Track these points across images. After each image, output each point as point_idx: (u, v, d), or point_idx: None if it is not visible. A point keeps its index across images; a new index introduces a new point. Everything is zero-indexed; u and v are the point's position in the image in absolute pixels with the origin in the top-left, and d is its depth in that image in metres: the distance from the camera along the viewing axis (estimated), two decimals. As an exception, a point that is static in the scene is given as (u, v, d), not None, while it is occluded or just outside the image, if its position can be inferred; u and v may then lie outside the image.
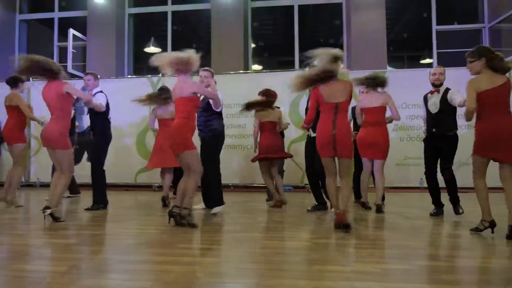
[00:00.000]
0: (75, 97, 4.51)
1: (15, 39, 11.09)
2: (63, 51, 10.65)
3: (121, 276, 2.26)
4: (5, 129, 5.61)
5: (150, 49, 11.46)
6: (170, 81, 7.98)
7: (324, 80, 3.72)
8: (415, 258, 2.67)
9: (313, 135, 5.17)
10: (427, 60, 10.32)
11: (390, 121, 5.17)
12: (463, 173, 7.77)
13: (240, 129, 8.24)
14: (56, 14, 11.08)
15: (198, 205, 5.08)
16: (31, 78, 9.45)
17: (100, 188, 5.33)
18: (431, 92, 4.68)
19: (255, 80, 8.17)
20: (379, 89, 5.01)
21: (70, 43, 9.73)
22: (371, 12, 9.36)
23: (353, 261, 2.60)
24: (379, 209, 4.79)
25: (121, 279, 2.22)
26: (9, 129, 5.51)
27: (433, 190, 4.68)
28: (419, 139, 7.81)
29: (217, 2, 9.88)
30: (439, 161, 4.62)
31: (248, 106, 5.38)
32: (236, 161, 8.18)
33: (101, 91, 5.33)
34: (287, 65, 10.34)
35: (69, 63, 9.66)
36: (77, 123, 7.34)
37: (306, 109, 5.30)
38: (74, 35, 9.92)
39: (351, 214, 4.73)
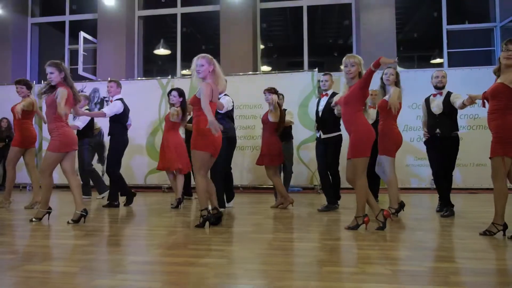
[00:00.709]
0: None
1: (27, 42, 11.25)
2: (74, 54, 10.79)
3: (132, 277, 2.28)
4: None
5: (160, 51, 11.55)
6: (180, 83, 8.02)
7: None
8: (426, 260, 2.64)
9: (323, 136, 5.17)
10: (438, 60, 10.22)
11: None
12: (471, 174, 7.70)
13: (249, 130, 8.25)
14: (67, 17, 11.22)
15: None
16: (42, 81, 9.58)
17: (116, 187, 5.65)
18: (434, 95, 4.80)
19: (264, 81, 8.17)
20: None
21: (81, 45, 9.85)
22: (381, 12, 9.30)
23: (363, 263, 2.59)
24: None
25: (132, 279, 2.23)
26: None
27: (443, 190, 4.68)
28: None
29: (226, 4, 9.91)
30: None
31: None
32: (245, 162, 8.19)
33: (120, 99, 5.58)
34: (297, 66, 10.33)
35: (80, 66, 9.78)
36: (98, 125, 7.36)
37: (317, 112, 5.29)
38: (84, 38, 10.04)
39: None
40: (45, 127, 6.60)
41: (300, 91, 8.13)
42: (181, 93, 5.64)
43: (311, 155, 7.86)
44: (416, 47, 11.61)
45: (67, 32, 11.15)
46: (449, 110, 4.63)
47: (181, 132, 6.74)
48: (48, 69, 4.18)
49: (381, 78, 4.75)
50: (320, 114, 5.23)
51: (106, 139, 7.42)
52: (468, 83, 7.12)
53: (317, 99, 5.51)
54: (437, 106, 4.70)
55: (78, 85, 8.87)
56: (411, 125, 7.84)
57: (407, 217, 4.57)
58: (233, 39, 9.77)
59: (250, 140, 8.23)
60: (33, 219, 4.25)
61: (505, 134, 3.33)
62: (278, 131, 5.48)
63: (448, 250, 3.00)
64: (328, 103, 5.06)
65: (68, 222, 4.09)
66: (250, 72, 9.26)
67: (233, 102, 5.32)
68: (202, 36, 11.80)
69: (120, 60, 10.28)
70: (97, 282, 2.16)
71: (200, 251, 2.95)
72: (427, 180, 7.85)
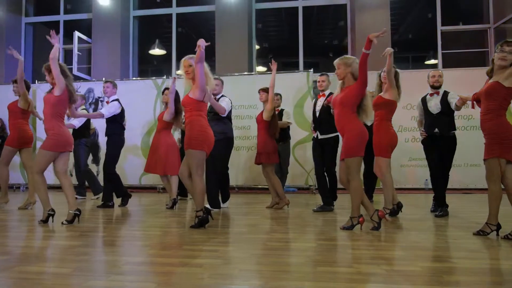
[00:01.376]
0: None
1: (21, 41, 11.18)
2: (68, 54, 10.73)
3: (127, 278, 2.27)
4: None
5: (155, 51, 11.52)
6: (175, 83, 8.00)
7: None
8: (420, 260, 2.65)
9: (320, 136, 5.15)
10: (432, 61, 10.27)
11: None
12: (465, 174, 7.75)
13: (244, 131, 8.25)
14: (62, 17, 11.16)
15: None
16: (36, 81, 9.53)
17: (111, 187, 5.62)
18: (431, 94, 4.84)
19: (259, 82, 8.17)
20: None
21: (75, 45, 9.80)
22: (376, 13, 9.34)
23: (358, 263, 2.59)
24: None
25: (127, 280, 2.22)
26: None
27: (439, 190, 4.69)
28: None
29: (221, 4, 9.91)
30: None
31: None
32: (241, 162, 8.18)
33: (117, 99, 5.58)
34: (292, 66, 10.35)
35: (75, 66, 9.73)
36: (93, 126, 7.36)
37: (314, 113, 5.29)
38: (79, 38, 9.99)
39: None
40: (40, 127, 6.57)
41: (295, 91, 8.15)
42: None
43: (306, 155, 7.88)
44: (410, 48, 11.67)
45: (61, 31, 11.09)
46: (447, 109, 4.68)
47: (178, 132, 6.75)
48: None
49: (379, 75, 4.78)
50: (317, 114, 5.23)
51: (101, 140, 7.41)
52: (462, 84, 7.17)
53: (314, 100, 5.51)
54: (435, 105, 4.75)
55: (83, 88, 8.88)
56: (405, 126, 7.88)
57: (402, 217, 4.58)
58: (228, 40, 9.76)
59: (246, 141, 8.23)
60: (40, 221, 4.17)
61: (501, 134, 3.32)
62: (272, 131, 5.42)
63: (442, 250, 3.02)
64: (326, 103, 5.08)
65: (62, 223, 4.07)
66: (246, 73, 9.26)
67: (231, 102, 5.33)
68: (198, 36, 11.67)
69: (115, 60, 10.24)
70: (91, 283, 2.15)
71: (195, 251, 2.94)
72: (422, 181, 7.88)
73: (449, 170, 4.78)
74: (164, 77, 8.87)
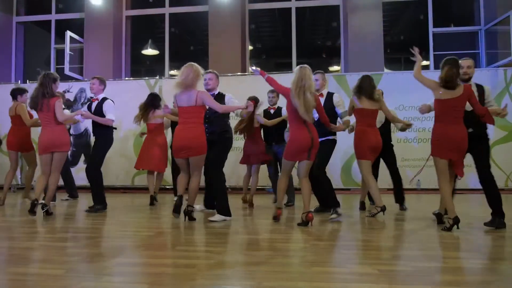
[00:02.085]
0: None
1: (12, 41, 11.06)
2: (60, 53, 10.64)
3: (119, 279, 2.26)
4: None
5: (148, 51, 11.46)
6: (168, 84, 7.99)
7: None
8: (413, 260, 2.67)
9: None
10: (424, 62, 10.34)
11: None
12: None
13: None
14: (53, 16, 11.06)
15: (197, 206, 5.05)
16: (28, 80, 9.44)
17: (100, 189, 5.34)
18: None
19: (252, 82, 8.17)
20: None
21: (67, 45, 9.72)
22: (368, 15, 9.39)
23: (351, 263, 2.60)
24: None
25: (119, 281, 2.21)
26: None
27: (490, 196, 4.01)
28: (416, 141, 7.84)
29: (214, 4, 9.89)
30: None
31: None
32: (232, 162, 8.17)
33: (107, 98, 5.35)
34: (285, 67, 10.36)
35: (66, 66, 9.65)
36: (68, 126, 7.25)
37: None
38: (71, 37, 9.91)
39: (349, 215, 4.74)
40: (34, 130, 6.49)
41: (288, 92, 8.15)
42: None
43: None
44: (402, 49, 11.73)
45: (53, 31, 10.99)
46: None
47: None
48: None
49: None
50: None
51: (93, 140, 7.34)
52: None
53: None
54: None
55: (64, 85, 8.78)
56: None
57: (395, 218, 4.61)
58: (221, 40, 9.75)
59: (238, 141, 8.22)
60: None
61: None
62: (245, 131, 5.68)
63: (435, 250, 3.04)
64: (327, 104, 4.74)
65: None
66: (239, 73, 9.26)
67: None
68: (191, 37, 11.76)
69: (107, 60, 10.18)
70: (83, 285, 2.13)
71: (188, 252, 2.93)
72: (414, 181, 7.93)
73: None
74: (157, 77, 8.83)
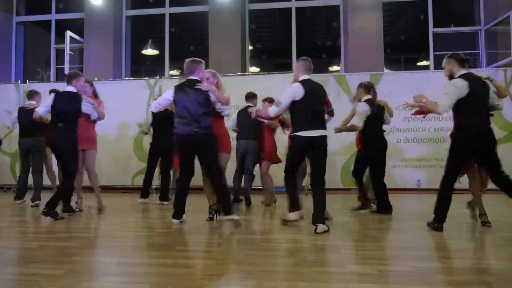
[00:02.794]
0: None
1: (12, 41, 11.06)
2: (60, 53, 10.64)
3: (119, 279, 2.26)
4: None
5: (148, 51, 11.46)
6: (168, 84, 7.98)
7: None
8: (412, 260, 2.68)
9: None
10: (424, 62, 10.35)
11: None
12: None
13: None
14: (53, 16, 11.06)
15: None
16: (27, 80, 9.44)
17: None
18: None
19: (252, 82, 8.18)
20: None
21: (67, 45, 9.71)
22: (368, 15, 9.39)
23: (350, 263, 2.61)
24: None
25: (119, 281, 2.21)
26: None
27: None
28: (416, 140, 7.84)
29: (214, 4, 9.89)
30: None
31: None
32: (230, 163, 8.15)
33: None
34: (285, 67, 10.36)
35: (66, 66, 9.65)
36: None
37: None
38: (71, 37, 9.91)
39: (349, 216, 4.75)
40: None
41: (288, 92, 8.15)
42: None
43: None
44: (403, 50, 11.75)
45: (53, 31, 10.99)
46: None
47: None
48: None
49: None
50: None
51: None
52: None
53: None
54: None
55: (64, 85, 8.77)
56: (398, 127, 7.91)
57: (394, 218, 4.62)
58: (221, 40, 9.75)
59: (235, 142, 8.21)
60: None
61: None
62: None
63: (434, 250, 3.05)
64: None
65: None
66: (239, 73, 9.26)
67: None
68: (191, 37, 11.76)
69: (107, 60, 10.17)
70: (84, 285, 2.14)
71: (188, 252, 2.94)
72: (413, 181, 7.94)
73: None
74: (157, 77, 8.83)
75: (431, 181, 7.46)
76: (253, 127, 5.74)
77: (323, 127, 3.90)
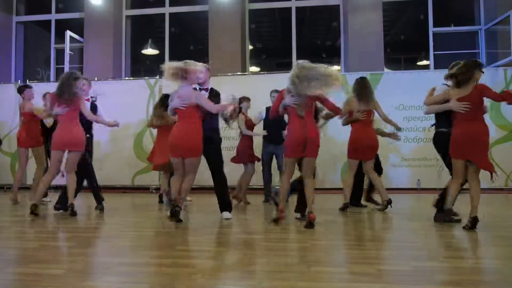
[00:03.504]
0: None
1: (12, 41, 11.05)
2: (60, 53, 10.63)
3: (119, 279, 2.26)
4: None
5: (148, 51, 11.46)
6: (168, 83, 7.97)
7: None
8: (412, 259, 2.68)
9: None
10: (424, 62, 10.36)
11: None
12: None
13: (237, 131, 8.23)
14: (53, 16, 11.05)
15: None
16: (27, 80, 9.44)
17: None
18: None
19: (252, 82, 8.19)
20: None
21: (67, 45, 9.71)
22: (368, 15, 9.39)
23: (350, 263, 2.61)
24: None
25: (119, 281, 2.21)
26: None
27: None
28: (416, 140, 7.84)
29: (214, 4, 9.89)
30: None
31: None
32: (228, 163, 8.15)
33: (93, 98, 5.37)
34: (285, 67, 10.34)
35: (66, 65, 9.64)
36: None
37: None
38: (71, 37, 9.90)
39: (348, 216, 4.75)
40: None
41: (288, 92, 8.15)
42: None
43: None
44: (402, 49, 11.75)
45: (53, 31, 10.99)
46: None
47: None
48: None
49: None
50: None
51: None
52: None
53: None
54: None
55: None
56: (398, 126, 7.91)
57: (394, 217, 4.62)
58: (221, 40, 9.74)
59: (234, 141, 8.21)
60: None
61: None
62: None
63: (434, 249, 3.05)
64: None
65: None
66: (239, 73, 9.26)
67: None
68: (191, 36, 11.76)
69: (107, 59, 10.17)
70: (84, 284, 2.14)
71: (188, 252, 2.94)
72: (414, 181, 7.94)
73: None
74: (157, 77, 8.82)
75: (431, 180, 7.46)
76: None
77: None
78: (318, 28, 11.71)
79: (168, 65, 4.13)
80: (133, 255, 2.88)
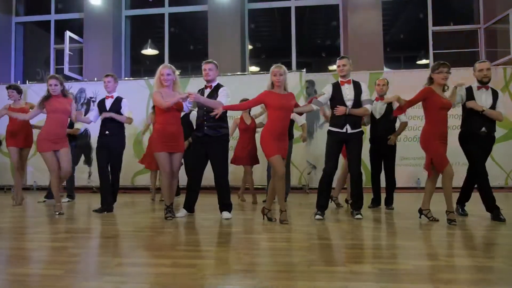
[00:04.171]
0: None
1: (11, 41, 11.06)
2: (59, 54, 10.64)
3: (119, 279, 2.26)
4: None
5: (147, 51, 11.46)
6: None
7: None
8: (412, 258, 2.67)
9: (350, 131, 4.46)
10: (424, 61, 10.36)
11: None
12: (458, 173, 7.81)
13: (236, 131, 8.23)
14: (53, 17, 11.06)
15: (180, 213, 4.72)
16: (27, 81, 9.45)
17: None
18: (478, 88, 4.44)
19: (252, 82, 8.19)
20: None
21: (66, 45, 9.72)
22: (368, 13, 9.39)
23: (350, 262, 2.60)
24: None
25: (119, 281, 2.21)
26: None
27: (489, 192, 4.30)
28: (415, 139, 7.84)
29: (214, 4, 9.89)
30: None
31: None
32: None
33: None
34: (285, 66, 10.34)
35: (66, 66, 9.65)
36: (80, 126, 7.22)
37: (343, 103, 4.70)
38: (70, 37, 9.91)
39: (347, 215, 4.75)
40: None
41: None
42: None
43: (300, 155, 7.89)
44: (402, 48, 11.74)
45: (52, 31, 11.00)
46: (495, 107, 4.36)
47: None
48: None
49: None
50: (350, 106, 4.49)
51: (93, 140, 7.35)
52: (454, 83, 7.26)
53: (333, 88, 4.61)
54: (485, 101, 4.36)
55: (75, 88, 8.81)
56: (397, 125, 7.91)
57: (394, 217, 4.61)
58: (221, 40, 9.75)
59: (234, 141, 8.21)
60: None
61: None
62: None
63: (435, 248, 3.04)
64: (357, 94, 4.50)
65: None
66: (239, 73, 9.26)
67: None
68: (190, 37, 11.75)
69: (107, 60, 10.18)
70: (83, 285, 2.13)
71: (188, 252, 2.94)
72: (413, 180, 7.94)
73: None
74: (157, 77, 8.83)
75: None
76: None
77: None
78: (318, 28, 11.70)
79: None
80: (133, 255, 2.88)
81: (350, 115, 4.40)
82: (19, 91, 5.98)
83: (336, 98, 4.50)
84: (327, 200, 4.56)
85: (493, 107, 4.33)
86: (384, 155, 5.37)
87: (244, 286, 2.14)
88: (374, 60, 9.05)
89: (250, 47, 10.70)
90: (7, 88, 5.96)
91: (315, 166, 8.31)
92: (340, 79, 4.63)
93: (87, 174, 8.46)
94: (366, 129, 5.45)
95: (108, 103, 5.23)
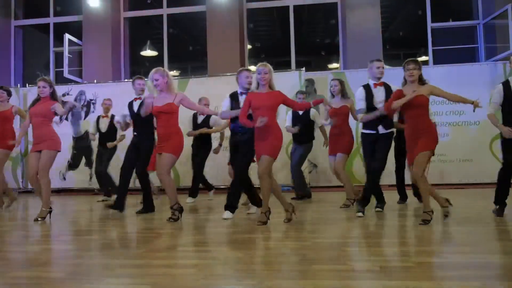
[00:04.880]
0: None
1: (10, 45, 11.07)
2: (59, 56, 10.65)
3: (120, 281, 2.26)
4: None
5: (147, 52, 11.46)
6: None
7: None
8: (414, 255, 2.67)
9: (382, 132, 4.54)
10: (423, 58, 10.34)
11: None
12: (456, 170, 7.82)
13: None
14: (52, 19, 11.06)
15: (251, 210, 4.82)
16: (27, 84, 9.45)
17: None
18: None
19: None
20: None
21: (66, 48, 9.72)
22: (366, 11, 9.38)
23: (352, 260, 2.61)
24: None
25: (121, 283, 2.21)
26: None
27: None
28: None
29: (212, 4, 9.89)
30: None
31: None
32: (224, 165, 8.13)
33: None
34: (284, 65, 10.35)
35: (65, 68, 9.66)
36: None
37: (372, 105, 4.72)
38: (69, 40, 9.91)
39: (348, 213, 4.75)
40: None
41: (287, 90, 8.11)
42: None
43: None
44: (401, 45, 11.74)
45: (51, 34, 11.00)
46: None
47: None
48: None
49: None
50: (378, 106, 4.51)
51: (94, 142, 7.35)
52: (453, 79, 7.28)
53: (365, 91, 4.68)
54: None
55: (63, 88, 8.80)
56: (398, 123, 7.91)
57: (392, 214, 4.61)
58: (220, 39, 9.74)
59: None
60: (38, 219, 4.40)
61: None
62: None
63: (436, 245, 3.04)
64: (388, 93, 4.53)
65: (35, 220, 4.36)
66: (238, 72, 9.25)
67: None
68: (189, 37, 11.76)
69: (106, 61, 10.18)
70: (86, 287, 2.14)
71: (189, 252, 2.94)
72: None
73: None
74: (156, 78, 8.82)
75: (433, 177, 7.43)
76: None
77: None
78: (317, 26, 11.70)
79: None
80: (134, 256, 2.88)
81: (383, 116, 4.40)
82: (9, 94, 5.96)
83: (367, 101, 4.54)
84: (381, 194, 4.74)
85: None
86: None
87: (244, 286, 2.14)
88: (373, 58, 8.98)
89: (249, 46, 10.70)
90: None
91: (316, 165, 8.31)
92: (373, 81, 4.70)
93: (88, 176, 8.47)
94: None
95: (135, 106, 5.27)
